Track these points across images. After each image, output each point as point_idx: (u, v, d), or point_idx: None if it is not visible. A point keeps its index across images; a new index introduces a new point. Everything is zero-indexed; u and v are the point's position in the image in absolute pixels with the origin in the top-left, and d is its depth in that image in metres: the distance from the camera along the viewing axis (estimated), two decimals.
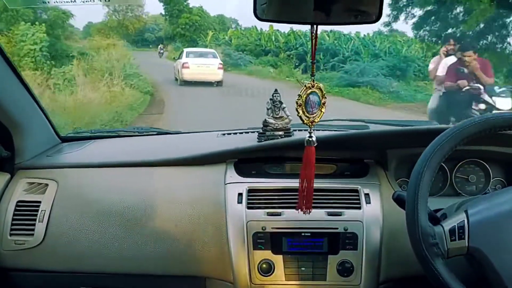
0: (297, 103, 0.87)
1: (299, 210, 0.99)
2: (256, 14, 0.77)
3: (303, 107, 0.87)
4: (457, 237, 0.81)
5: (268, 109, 1.37)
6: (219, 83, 12.04)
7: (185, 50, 13.75)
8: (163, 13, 24.28)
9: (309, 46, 0.86)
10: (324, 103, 0.88)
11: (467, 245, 0.81)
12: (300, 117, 0.88)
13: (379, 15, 0.76)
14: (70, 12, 11.58)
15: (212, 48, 16.38)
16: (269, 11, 0.78)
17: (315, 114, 0.88)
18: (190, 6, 23.50)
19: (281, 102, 1.36)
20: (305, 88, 0.86)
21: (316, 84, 0.87)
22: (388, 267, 1.09)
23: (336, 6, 0.76)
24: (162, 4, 23.50)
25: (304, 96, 0.86)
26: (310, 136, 0.92)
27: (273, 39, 18.27)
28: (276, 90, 1.39)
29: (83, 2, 1.08)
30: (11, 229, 1.17)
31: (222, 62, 12.83)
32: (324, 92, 0.88)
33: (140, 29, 26.97)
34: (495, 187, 1.26)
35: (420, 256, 0.82)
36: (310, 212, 0.98)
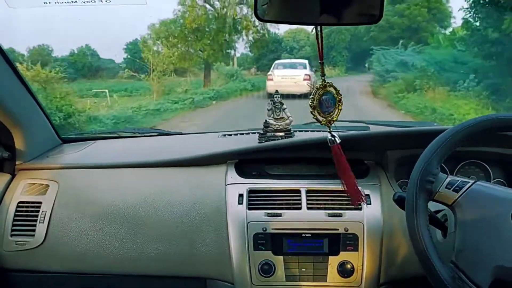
0: (310, 106, 0.87)
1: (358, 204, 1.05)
2: (257, 15, 0.78)
3: (318, 109, 0.87)
4: (453, 188, 0.84)
5: (268, 110, 1.37)
6: (306, 96, 10.68)
7: (276, 61, 12.97)
8: None
9: None
10: (340, 100, 0.88)
11: (456, 198, 0.83)
12: (317, 118, 0.88)
13: (380, 16, 0.76)
14: None
15: None
16: (270, 11, 0.78)
17: (332, 113, 0.88)
18: None
19: (281, 103, 1.36)
20: (316, 89, 0.86)
21: (328, 84, 0.87)
22: (389, 268, 1.09)
23: (337, 6, 0.76)
24: None
25: (317, 97, 0.86)
26: (332, 136, 0.91)
27: None
28: (276, 91, 1.39)
29: (84, 2, 1.08)
30: (12, 230, 1.17)
31: (309, 74, 11.20)
32: (338, 89, 0.88)
33: (273, 49, 18.09)
34: None
35: (421, 256, 0.81)
36: (365, 201, 1.05)
